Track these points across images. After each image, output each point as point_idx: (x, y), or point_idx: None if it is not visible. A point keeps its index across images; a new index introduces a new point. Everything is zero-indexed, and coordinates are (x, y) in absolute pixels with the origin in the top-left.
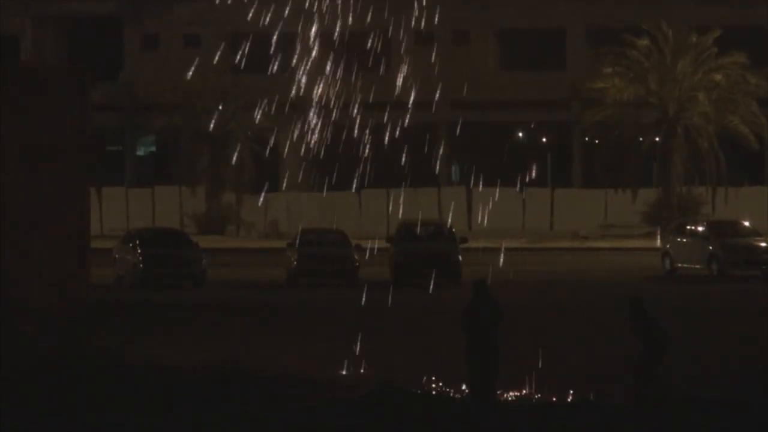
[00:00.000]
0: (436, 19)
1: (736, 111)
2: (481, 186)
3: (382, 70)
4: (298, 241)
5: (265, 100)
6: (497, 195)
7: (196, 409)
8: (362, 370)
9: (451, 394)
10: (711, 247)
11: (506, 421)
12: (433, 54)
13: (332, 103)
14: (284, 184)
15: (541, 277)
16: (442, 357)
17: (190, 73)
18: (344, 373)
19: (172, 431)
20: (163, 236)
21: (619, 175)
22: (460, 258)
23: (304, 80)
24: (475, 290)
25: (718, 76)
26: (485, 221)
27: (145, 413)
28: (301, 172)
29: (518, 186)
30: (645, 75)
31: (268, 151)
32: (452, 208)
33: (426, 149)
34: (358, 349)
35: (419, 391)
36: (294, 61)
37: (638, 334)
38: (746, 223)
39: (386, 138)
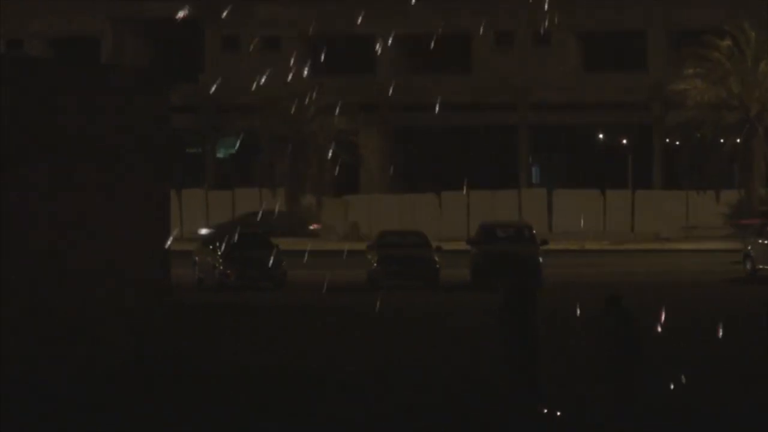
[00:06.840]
0: (517, 21)
1: None
2: (561, 188)
3: (462, 72)
4: (378, 243)
5: (345, 102)
6: (578, 197)
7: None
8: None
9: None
10: None
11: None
12: (514, 56)
13: (411, 105)
14: (364, 186)
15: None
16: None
17: (270, 75)
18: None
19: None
20: (243, 238)
21: (701, 176)
22: (541, 260)
23: (384, 82)
24: (512, 291)
25: None
26: (566, 223)
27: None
28: (382, 173)
29: (599, 188)
30: (726, 76)
31: (348, 153)
32: (532, 210)
33: (506, 151)
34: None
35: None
36: (374, 62)
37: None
38: None
39: (467, 140)
